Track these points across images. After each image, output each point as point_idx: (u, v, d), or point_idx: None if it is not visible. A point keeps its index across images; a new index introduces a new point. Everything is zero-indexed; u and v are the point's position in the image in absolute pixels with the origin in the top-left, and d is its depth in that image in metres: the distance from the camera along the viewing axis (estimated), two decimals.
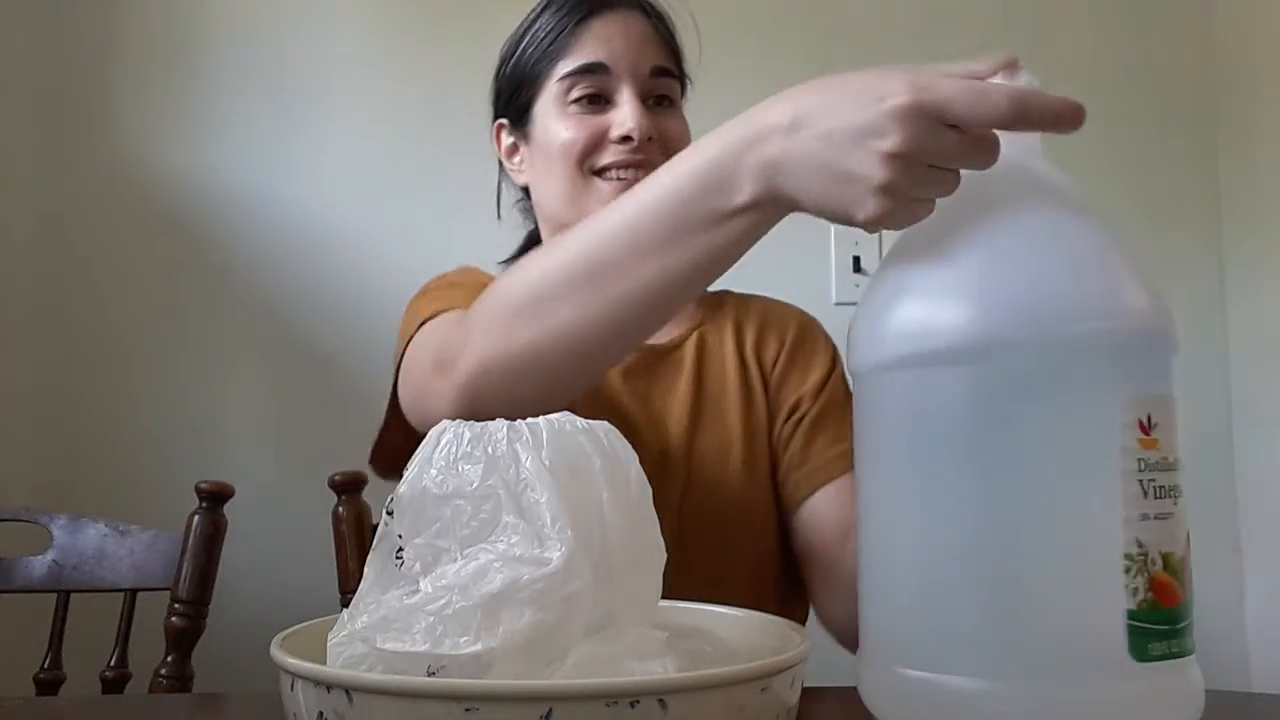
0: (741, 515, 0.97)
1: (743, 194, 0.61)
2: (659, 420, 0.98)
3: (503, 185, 1.13)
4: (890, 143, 0.54)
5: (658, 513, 0.94)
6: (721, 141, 0.62)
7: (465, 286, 0.92)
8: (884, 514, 0.57)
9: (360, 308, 1.72)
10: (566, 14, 0.99)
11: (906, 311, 0.55)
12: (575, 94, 0.97)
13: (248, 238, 1.74)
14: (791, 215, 0.63)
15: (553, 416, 0.51)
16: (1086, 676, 0.50)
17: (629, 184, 0.92)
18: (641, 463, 0.52)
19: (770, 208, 0.62)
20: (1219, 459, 1.81)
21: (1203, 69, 1.90)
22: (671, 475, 0.96)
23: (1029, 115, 0.54)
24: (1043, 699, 0.50)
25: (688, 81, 1.05)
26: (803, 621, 1.02)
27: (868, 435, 0.59)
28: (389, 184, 1.77)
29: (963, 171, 0.57)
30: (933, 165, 0.55)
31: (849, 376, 0.61)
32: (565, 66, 0.97)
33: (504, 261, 1.10)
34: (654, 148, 0.96)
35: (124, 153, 1.74)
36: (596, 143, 0.96)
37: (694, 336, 1.03)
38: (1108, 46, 1.88)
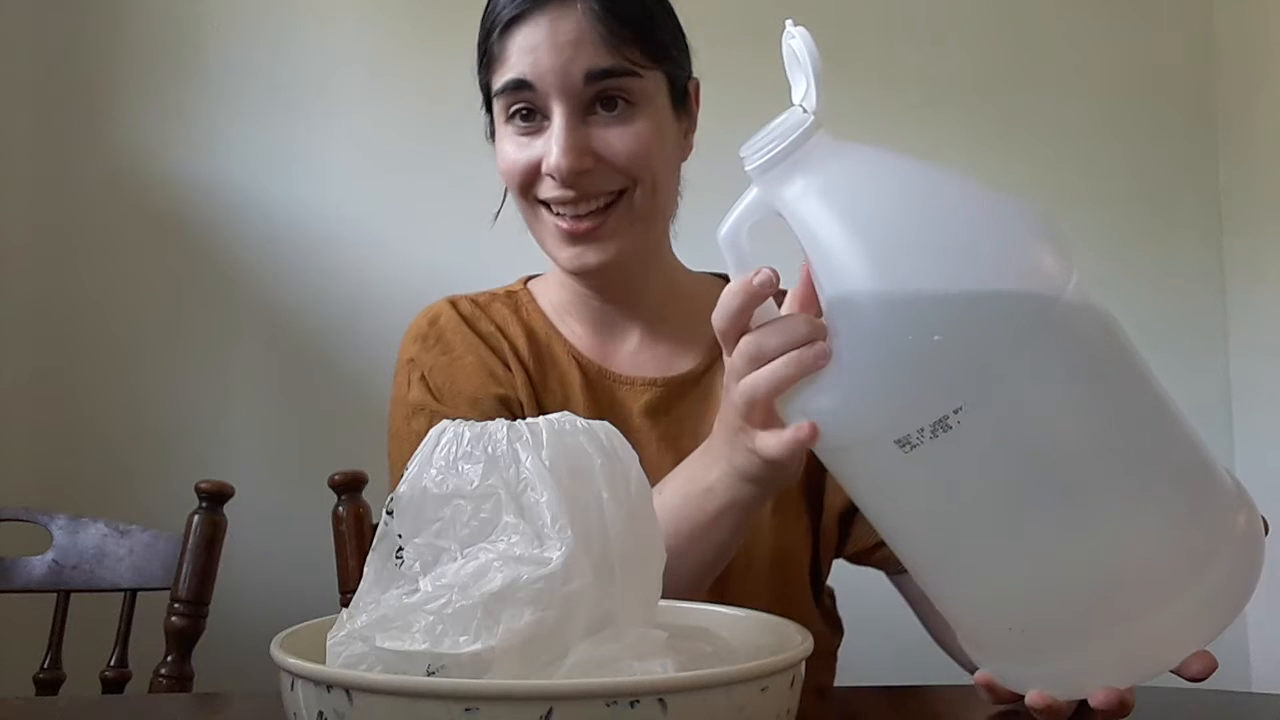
0: (774, 563, 0.92)
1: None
2: None
3: None
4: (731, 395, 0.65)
5: None
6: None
7: (428, 412, 0.90)
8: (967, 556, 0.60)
9: (360, 307, 1.72)
10: (494, 18, 0.88)
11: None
12: (510, 111, 0.89)
13: (247, 237, 1.74)
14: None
15: (553, 416, 0.51)
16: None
17: (569, 220, 0.88)
18: None
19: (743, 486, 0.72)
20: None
21: (1202, 68, 1.89)
22: None
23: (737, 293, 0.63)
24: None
25: (673, 65, 0.90)
26: (833, 657, 0.99)
27: (904, 500, 0.59)
28: (389, 184, 1.77)
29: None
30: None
31: (825, 454, 0.61)
32: (495, 82, 0.89)
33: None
34: (592, 178, 0.87)
35: (125, 153, 1.74)
36: (533, 172, 0.88)
37: (719, 363, 0.92)
38: (1107, 46, 1.88)
